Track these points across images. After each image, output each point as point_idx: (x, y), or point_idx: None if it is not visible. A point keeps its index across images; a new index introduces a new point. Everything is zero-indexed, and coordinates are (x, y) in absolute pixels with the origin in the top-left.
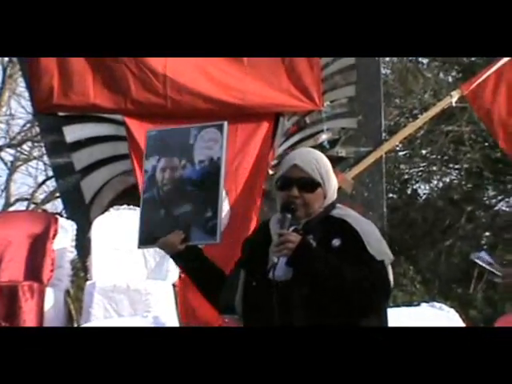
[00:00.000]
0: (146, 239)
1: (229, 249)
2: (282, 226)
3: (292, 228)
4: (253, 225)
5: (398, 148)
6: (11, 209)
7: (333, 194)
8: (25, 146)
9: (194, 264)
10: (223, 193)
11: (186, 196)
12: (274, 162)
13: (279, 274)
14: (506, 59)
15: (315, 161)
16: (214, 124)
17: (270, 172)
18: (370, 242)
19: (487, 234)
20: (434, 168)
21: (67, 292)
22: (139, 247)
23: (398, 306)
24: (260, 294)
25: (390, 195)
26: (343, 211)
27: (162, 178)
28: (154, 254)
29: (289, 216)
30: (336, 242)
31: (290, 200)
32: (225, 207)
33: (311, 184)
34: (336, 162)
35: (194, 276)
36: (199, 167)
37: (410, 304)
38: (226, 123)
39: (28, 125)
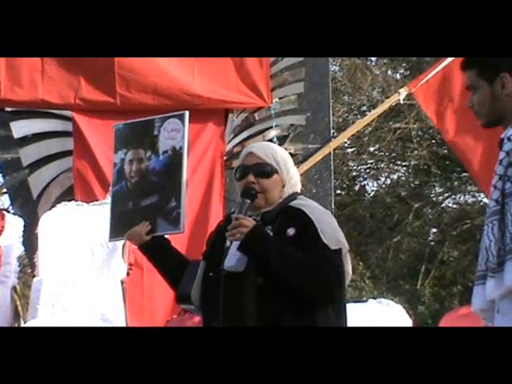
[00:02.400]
0: (116, 232)
1: (181, 246)
2: (239, 211)
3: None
4: (211, 223)
5: (346, 145)
6: None
7: (294, 185)
8: None
9: (159, 254)
10: (186, 185)
11: (152, 187)
12: (224, 158)
13: (232, 264)
14: (452, 58)
15: (270, 148)
16: (175, 114)
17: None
18: (323, 230)
19: (434, 230)
20: (382, 165)
21: (14, 288)
22: (110, 240)
23: (347, 301)
24: (215, 284)
25: (338, 192)
26: (303, 201)
27: (130, 170)
28: (101, 250)
29: (247, 201)
30: (291, 231)
31: (249, 186)
32: None
33: (266, 169)
34: None
35: (159, 266)
36: (163, 157)
37: (358, 300)
38: (187, 112)
39: None
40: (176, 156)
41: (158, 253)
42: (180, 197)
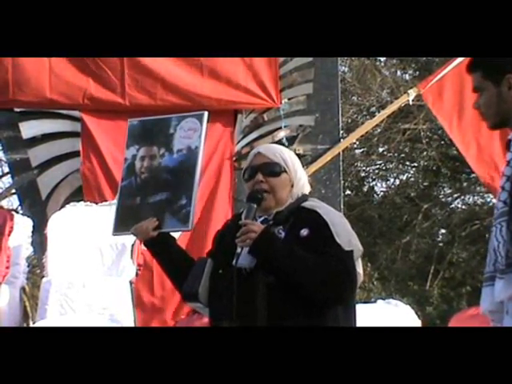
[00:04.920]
0: (121, 226)
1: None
2: (247, 216)
3: (261, 219)
4: (215, 223)
5: (355, 145)
6: None
7: (303, 186)
8: None
9: (165, 251)
10: (198, 184)
11: (163, 184)
12: (233, 159)
13: (243, 262)
14: (461, 58)
15: (278, 148)
16: (194, 114)
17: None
18: (338, 232)
19: (443, 231)
20: (391, 165)
21: (23, 289)
22: (114, 234)
23: (356, 302)
24: (225, 283)
25: (347, 192)
26: (315, 203)
27: (141, 166)
28: (110, 250)
29: (254, 206)
30: (304, 232)
31: (256, 188)
32: None
33: (274, 168)
34: None
35: (164, 263)
36: (177, 156)
37: (367, 301)
38: (206, 113)
39: None
40: (191, 155)
41: (162, 249)
42: (192, 195)
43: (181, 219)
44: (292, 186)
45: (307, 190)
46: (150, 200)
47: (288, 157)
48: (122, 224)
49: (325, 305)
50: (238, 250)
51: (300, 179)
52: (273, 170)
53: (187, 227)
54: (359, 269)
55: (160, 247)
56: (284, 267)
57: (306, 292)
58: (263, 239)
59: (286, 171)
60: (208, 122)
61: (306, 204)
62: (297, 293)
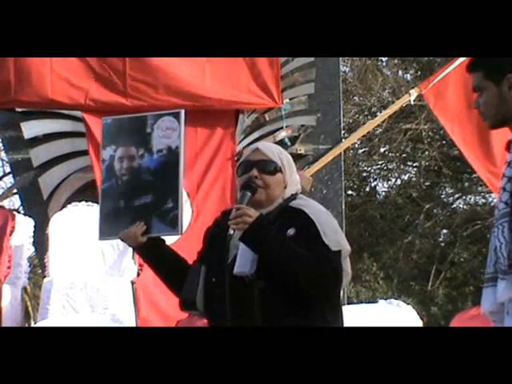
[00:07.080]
0: (107, 231)
1: (194, 250)
2: (241, 203)
3: None
4: None
5: (356, 146)
6: None
7: (294, 187)
8: None
9: (156, 256)
10: (183, 186)
11: (146, 186)
12: (234, 159)
13: (244, 270)
14: (463, 58)
15: (277, 148)
16: (170, 112)
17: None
18: (325, 231)
19: (445, 231)
20: (393, 166)
21: (24, 289)
22: (100, 239)
23: (361, 302)
24: (218, 290)
25: (349, 192)
26: (303, 201)
27: (120, 167)
28: (112, 250)
29: (248, 194)
30: (291, 232)
31: (251, 180)
32: (187, 209)
33: (271, 166)
34: (295, 159)
35: (156, 268)
36: (157, 156)
37: (371, 301)
38: (183, 111)
39: None
40: (172, 156)
41: (153, 254)
42: (177, 198)
43: (169, 223)
44: (285, 187)
45: (298, 189)
46: (134, 203)
47: (285, 157)
48: (109, 228)
49: (309, 302)
50: (231, 231)
51: (293, 181)
52: (269, 167)
53: (176, 231)
54: (347, 268)
55: (151, 253)
56: (276, 255)
57: (294, 283)
58: (258, 225)
59: (281, 171)
60: (185, 120)
61: (294, 203)
62: (285, 295)
